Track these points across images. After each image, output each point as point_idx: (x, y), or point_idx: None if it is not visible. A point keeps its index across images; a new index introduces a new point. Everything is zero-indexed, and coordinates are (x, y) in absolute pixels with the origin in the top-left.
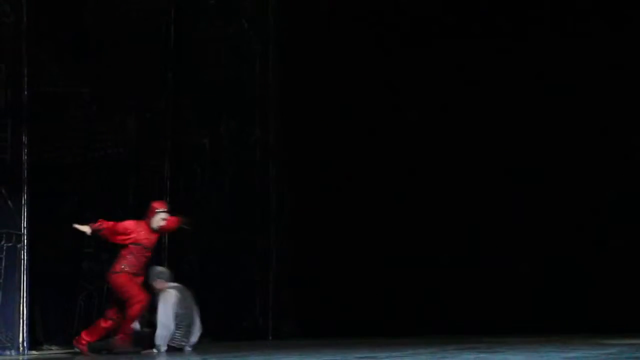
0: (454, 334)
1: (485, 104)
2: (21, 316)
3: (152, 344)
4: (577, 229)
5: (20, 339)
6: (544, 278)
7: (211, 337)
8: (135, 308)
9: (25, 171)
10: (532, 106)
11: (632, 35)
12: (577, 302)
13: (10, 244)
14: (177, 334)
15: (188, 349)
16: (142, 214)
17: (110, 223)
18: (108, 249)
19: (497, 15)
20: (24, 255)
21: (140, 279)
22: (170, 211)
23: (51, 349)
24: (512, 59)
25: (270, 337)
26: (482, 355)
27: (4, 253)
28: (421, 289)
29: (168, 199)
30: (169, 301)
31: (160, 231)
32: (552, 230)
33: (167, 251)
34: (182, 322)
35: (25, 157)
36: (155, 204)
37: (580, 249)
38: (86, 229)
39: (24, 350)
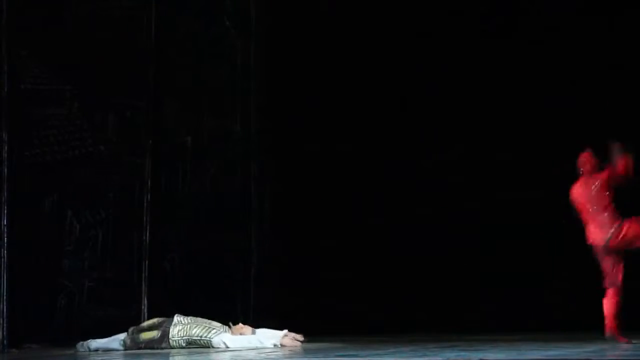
0: (434, 332)
1: (474, 90)
2: (1, 314)
3: None
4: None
5: (0, 337)
6: (526, 275)
7: None
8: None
9: (6, 169)
10: (537, 103)
11: None
12: (558, 299)
13: None
14: None
15: None
16: (122, 212)
17: None
18: (89, 247)
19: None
20: (4, 253)
21: None
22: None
23: (31, 347)
24: (528, 57)
25: None
26: (462, 352)
27: None
28: (403, 286)
29: (149, 197)
30: None
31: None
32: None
33: (148, 250)
34: None
35: (5, 155)
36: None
37: (563, 246)
38: None
39: (4, 348)
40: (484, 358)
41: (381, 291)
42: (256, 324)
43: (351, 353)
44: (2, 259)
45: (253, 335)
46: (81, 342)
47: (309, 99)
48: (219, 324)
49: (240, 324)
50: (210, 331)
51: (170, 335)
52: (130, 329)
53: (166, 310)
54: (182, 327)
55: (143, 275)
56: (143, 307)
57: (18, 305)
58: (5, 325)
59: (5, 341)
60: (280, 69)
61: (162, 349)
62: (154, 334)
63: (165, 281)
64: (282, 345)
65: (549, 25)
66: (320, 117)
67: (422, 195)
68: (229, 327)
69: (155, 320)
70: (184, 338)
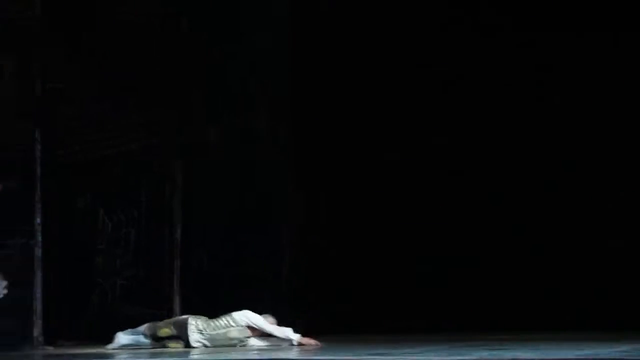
0: (467, 331)
1: (511, 98)
2: (35, 312)
3: None
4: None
5: (35, 334)
6: (558, 274)
7: None
8: None
9: (39, 168)
10: (562, 102)
11: None
12: (595, 298)
13: (24, 241)
14: None
15: None
16: (153, 211)
17: None
18: (121, 245)
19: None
20: (38, 252)
21: None
22: None
23: (65, 344)
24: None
25: None
26: (495, 351)
27: (19, 249)
28: (435, 286)
29: (180, 195)
30: None
31: None
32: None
33: (179, 249)
34: None
35: (38, 154)
36: None
37: (599, 245)
38: None
39: (38, 344)
40: (516, 357)
41: (412, 290)
42: (285, 323)
43: (383, 352)
44: (36, 257)
45: (289, 329)
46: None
47: (340, 96)
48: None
49: (272, 318)
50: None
51: (188, 331)
52: (148, 325)
53: (197, 309)
54: (200, 325)
55: (174, 273)
56: (174, 305)
57: (52, 302)
58: (39, 322)
59: (39, 338)
60: (311, 66)
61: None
62: (169, 330)
63: (196, 280)
64: (299, 344)
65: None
66: (351, 116)
67: (450, 195)
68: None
69: (171, 319)
70: (205, 330)
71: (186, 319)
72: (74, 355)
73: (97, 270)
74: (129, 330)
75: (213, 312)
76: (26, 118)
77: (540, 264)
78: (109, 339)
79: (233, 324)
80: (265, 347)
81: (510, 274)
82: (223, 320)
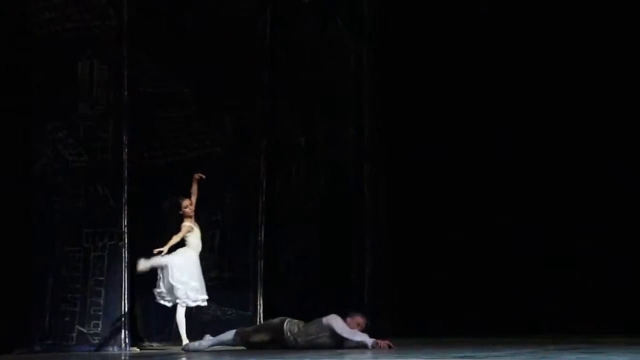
0: (554, 334)
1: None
2: (123, 313)
3: None
4: None
5: (122, 336)
6: None
7: None
8: None
9: (126, 171)
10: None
11: None
12: None
13: (112, 242)
14: None
15: None
16: (238, 213)
17: None
18: (207, 247)
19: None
20: (125, 254)
21: None
22: None
23: (152, 346)
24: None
25: None
26: (583, 355)
27: (107, 251)
28: (521, 288)
29: (264, 197)
30: None
31: None
32: None
33: (263, 250)
34: None
35: (125, 157)
36: None
37: None
38: None
39: (125, 346)
40: None
41: (497, 292)
42: (371, 323)
43: (468, 354)
44: (124, 259)
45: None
46: (189, 343)
47: (422, 99)
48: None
49: (359, 317)
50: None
51: (285, 335)
52: (236, 331)
53: (281, 310)
54: (294, 326)
55: (258, 275)
56: (259, 306)
57: (138, 304)
58: (126, 324)
59: (126, 339)
60: (394, 70)
61: (272, 349)
62: (263, 336)
63: (280, 281)
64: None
65: None
66: (432, 117)
67: (536, 197)
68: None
69: (263, 325)
70: (298, 337)
71: (280, 325)
72: (159, 356)
73: None
74: (216, 337)
75: (297, 313)
76: (116, 123)
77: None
78: (194, 340)
79: (321, 331)
80: (342, 352)
81: (603, 275)
82: (313, 327)
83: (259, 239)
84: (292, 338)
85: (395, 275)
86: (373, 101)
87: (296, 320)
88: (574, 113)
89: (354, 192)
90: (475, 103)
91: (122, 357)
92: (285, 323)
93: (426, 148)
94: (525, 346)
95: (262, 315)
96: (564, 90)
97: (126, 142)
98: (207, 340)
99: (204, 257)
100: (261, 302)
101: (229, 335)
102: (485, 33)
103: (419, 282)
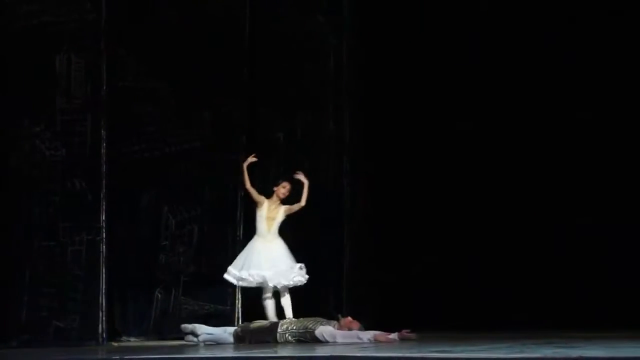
0: (530, 329)
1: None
2: (100, 307)
3: None
4: None
5: (100, 330)
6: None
7: None
8: None
9: (104, 165)
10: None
11: None
12: None
13: (90, 237)
14: None
15: None
16: (217, 208)
17: None
18: (185, 242)
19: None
20: (103, 248)
21: None
22: None
23: (129, 340)
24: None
25: None
26: (559, 349)
27: (85, 246)
28: (496, 282)
29: (243, 193)
30: None
31: None
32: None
33: (241, 245)
34: None
35: (103, 151)
36: None
37: None
38: None
39: (103, 341)
40: (583, 355)
41: (475, 286)
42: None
43: (445, 349)
44: (101, 254)
45: (356, 331)
46: (185, 325)
47: (402, 93)
48: (325, 320)
49: (350, 318)
50: (316, 323)
51: (278, 329)
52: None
53: (259, 307)
54: (290, 322)
55: None
56: (237, 301)
57: (116, 298)
58: (104, 318)
59: (104, 334)
60: (374, 64)
61: (267, 342)
62: (264, 322)
63: None
64: (376, 341)
65: None
66: (413, 111)
67: (516, 189)
68: (338, 320)
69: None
70: (290, 331)
71: (275, 325)
72: (137, 350)
73: (160, 266)
74: (211, 336)
75: (275, 309)
76: (94, 117)
77: (609, 261)
78: (172, 335)
79: (313, 336)
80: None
81: (577, 271)
82: (310, 322)
83: (238, 234)
84: (285, 326)
85: (375, 272)
86: (353, 96)
87: (289, 320)
88: (572, 111)
89: (333, 188)
90: (456, 96)
91: (100, 352)
92: (280, 323)
93: (407, 143)
94: (502, 341)
95: (240, 310)
96: (555, 86)
97: (104, 136)
98: (202, 335)
99: (181, 251)
100: (239, 297)
101: (227, 335)
102: (467, 26)
103: (398, 278)
